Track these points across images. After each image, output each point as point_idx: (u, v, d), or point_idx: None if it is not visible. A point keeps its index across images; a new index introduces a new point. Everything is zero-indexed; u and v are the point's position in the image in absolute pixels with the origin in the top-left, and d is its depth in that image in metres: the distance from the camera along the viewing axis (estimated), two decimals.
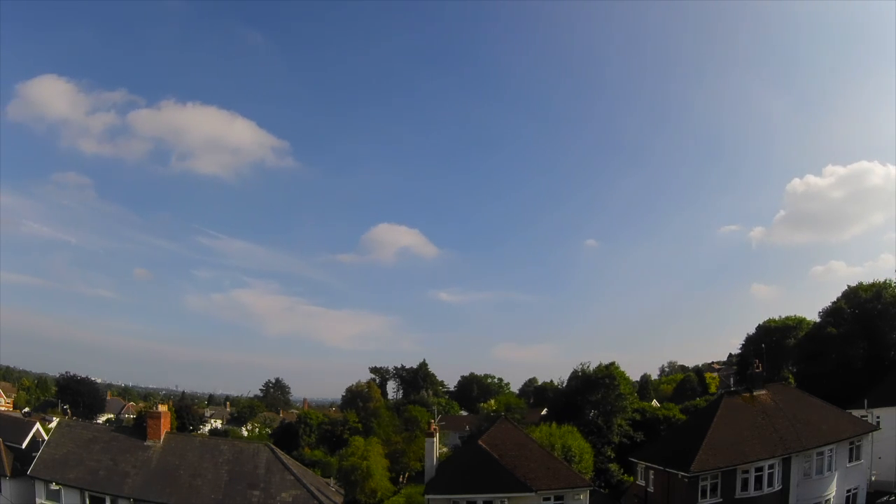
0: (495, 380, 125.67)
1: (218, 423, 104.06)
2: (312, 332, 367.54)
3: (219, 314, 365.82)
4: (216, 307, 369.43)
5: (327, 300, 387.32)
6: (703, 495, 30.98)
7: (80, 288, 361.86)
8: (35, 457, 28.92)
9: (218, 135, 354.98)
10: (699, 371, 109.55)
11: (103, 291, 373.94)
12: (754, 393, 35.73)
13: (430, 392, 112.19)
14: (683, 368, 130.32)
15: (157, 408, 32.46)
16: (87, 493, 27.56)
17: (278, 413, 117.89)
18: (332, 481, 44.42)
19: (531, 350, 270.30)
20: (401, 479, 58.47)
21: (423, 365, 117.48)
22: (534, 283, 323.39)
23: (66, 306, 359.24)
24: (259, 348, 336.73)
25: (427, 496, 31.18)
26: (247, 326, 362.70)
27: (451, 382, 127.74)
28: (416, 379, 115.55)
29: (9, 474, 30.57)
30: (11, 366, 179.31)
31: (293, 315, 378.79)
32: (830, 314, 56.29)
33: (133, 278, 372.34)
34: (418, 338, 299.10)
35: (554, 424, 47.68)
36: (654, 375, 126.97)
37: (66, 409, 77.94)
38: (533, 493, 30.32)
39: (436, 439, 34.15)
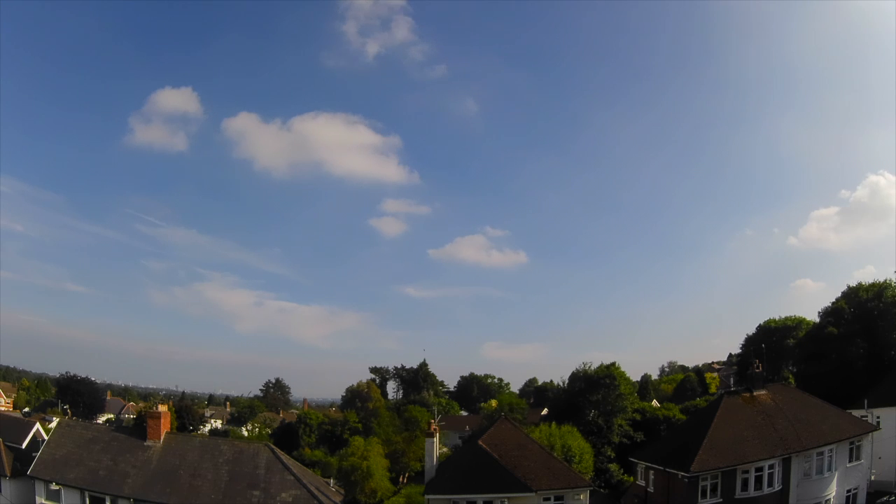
0: (495, 380, 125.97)
1: (218, 423, 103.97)
2: (285, 329, 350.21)
3: (186, 310, 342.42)
4: (181, 302, 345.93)
5: (292, 294, 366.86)
6: (703, 495, 30.99)
7: (40, 280, 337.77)
8: (35, 457, 28.99)
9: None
10: (699, 371, 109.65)
11: (71, 285, 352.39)
12: (754, 393, 35.74)
13: (431, 392, 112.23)
14: (683, 368, 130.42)
15: (157, 408, 32.52)
16: (87, 493, 27.63)
17: (278, 413, 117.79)
18: (332, 481, 44.44)
19: (522, 349, 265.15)
20: (401, 479, 58.42)
21: (424, 365, 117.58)
22: (515, 280, 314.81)
23: (36, 302, 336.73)
24: (232, 346, 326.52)
25: (427, 496, 31.19)
26: (218, 323, 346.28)
27: (451, 382, 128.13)
28: (417, 379, 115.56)
29: (9, 474, 30.59)
30: (11, 366, 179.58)
31: (263, 311, 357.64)
32: (830, 314, 56.26)
33: (89, 269, 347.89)
34: (399, 336, 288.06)
35: (554, 424, 47.69)
36: (654, 375, 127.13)
37: (66, 409, 77.90)
38: (533, 493, 30.33)
39: (436, 439, 34.14)
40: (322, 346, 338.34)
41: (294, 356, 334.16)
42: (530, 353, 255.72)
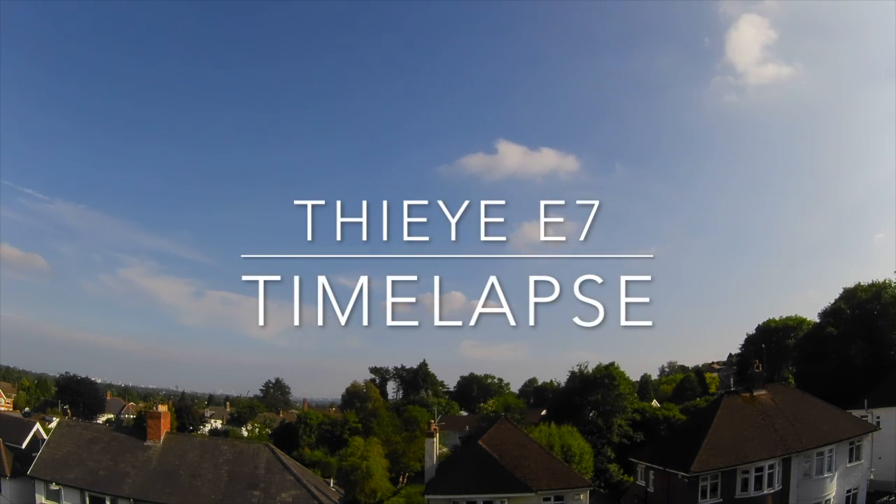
0: (495, 380, 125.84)
1: (218, 424, 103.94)
2: (231, 324, 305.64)
3: (125, 303, 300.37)
4: (115, 293, 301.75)
5: (224, 283, 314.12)
6: (703, 495, 31.03)
7: None
8: (35, 457, 29.02)
9: None
10: (699, 371, 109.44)
11: (15, 274, 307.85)
12: (754, 393, 35.70)
13: (430, 392, 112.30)
14: (683, 368, 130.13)
15: (157, 408, 32.54)
16: (87, 494, 27.68)
17: (278, 413, 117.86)
18: (332, 481, 44.47)
19: (503, 348, 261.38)
20: (401, 480, 58.44)
21: (423, 365, 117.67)
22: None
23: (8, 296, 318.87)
24: (179, 341, 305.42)
25: (427, 496, 31.21)
26: (160, 315, 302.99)
27: (451, 382, 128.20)
28: (416, 379, 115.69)
29: (9, 474, 30.58)
30: (11, 366, 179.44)
31: (206, 302, 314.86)
32: (830, 314, 56.36)
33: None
34: (368, 333, 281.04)
35: (553, 424, 47.68)
36: (654, 375, 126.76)
37: (66, 409, 77.84)
38: (533, 494, 30.36)
39: (436, 439, 34.14)
40: (279, 345, 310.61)
41: (233, 355, 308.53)
42: (516, 351, 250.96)
